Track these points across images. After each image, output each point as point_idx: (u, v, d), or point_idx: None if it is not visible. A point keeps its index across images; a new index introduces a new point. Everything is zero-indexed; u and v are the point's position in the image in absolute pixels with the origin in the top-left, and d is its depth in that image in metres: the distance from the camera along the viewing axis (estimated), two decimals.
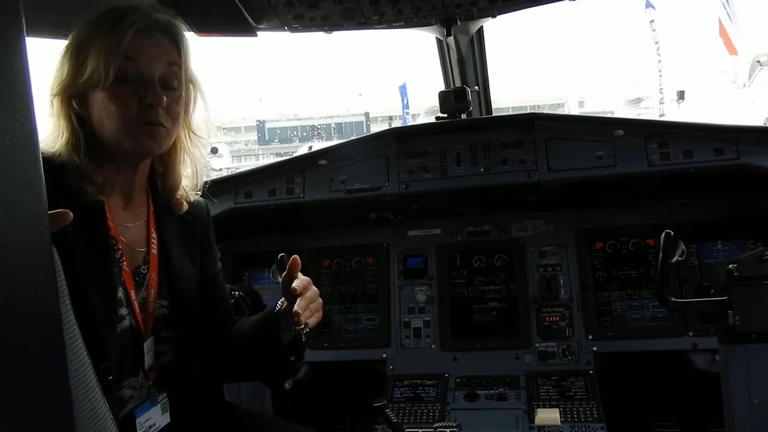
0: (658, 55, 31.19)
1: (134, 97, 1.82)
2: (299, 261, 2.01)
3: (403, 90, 42.53)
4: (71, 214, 1.27)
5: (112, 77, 1.78)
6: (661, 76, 31.28)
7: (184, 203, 2.15)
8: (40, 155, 0.86)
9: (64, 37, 1.89)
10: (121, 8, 1.86)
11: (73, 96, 1.82)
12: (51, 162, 1.78)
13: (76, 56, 1.81)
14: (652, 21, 31.49)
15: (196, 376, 2.13)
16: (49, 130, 1.85)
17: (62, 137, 1.82)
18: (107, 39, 1.78)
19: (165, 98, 1.85)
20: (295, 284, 1.97)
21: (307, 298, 2.00)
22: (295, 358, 2.15)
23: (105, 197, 1.88)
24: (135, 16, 1.83)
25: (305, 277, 2.05)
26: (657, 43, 31.14)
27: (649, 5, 31.72)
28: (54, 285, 0.96)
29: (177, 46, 1.92)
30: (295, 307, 1.94)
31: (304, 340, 2.16)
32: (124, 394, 1.91)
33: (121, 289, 1.88)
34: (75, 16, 1.88)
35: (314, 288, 2.07)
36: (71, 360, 1.10)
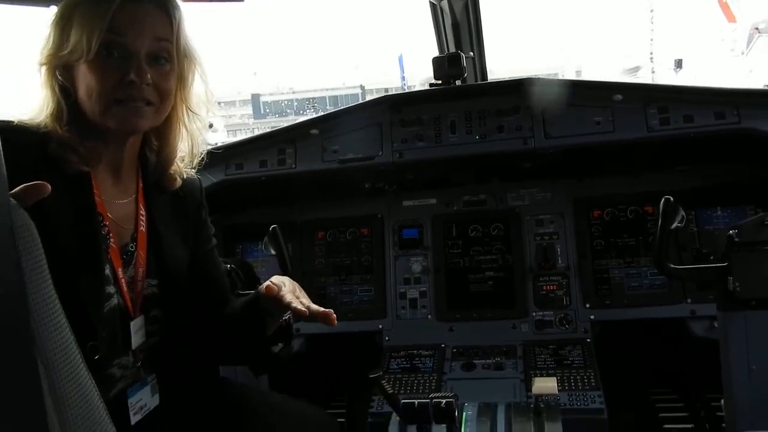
0: (652, 23, 30.91)
1: (117, 72, 1.74)
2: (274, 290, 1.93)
3: (401, 61, 42.19)
4: (49, 186, 1.21)
5: (95, 51, 1.70)
6: (652, 43, 31.03)
7: (178, 179, 2.08)
8: None
9: (54, 4, 1.81)
10: None
11: (58, 67, 1.76)
12: (34, 133, 1.73)
13: (61, 26, 1.74)
14: None
15: (184, 357, 2.08)
16: (38, 100, 1.79)
17: (47, 108, 1.76)
18: (92, 10, 1.70)
19: (151, 74, 1.77)
20: (271, 282, 1.95)
21: (290, 290, 1.97)
22: (283, 346, 2.10)
23: (91, 170, 1.82)
24: None
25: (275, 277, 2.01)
26: (652, 10, 30.84)
27: None
28: (17, 262, 0.92)
29: (168, 18, 1.82)
30: (286, 301, 1.90)
31: (293, 322, 2.11)
32: (114, 374, 1.87)
33: (108, 266, 1.82)
34: None
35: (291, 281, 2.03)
36: (54, 337, 1.07)
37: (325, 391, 4.04)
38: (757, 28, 25.26)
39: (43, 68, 1.77)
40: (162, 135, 2.01)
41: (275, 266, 2.99)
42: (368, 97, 4.32)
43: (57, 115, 1.75)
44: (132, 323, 1.90)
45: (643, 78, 31.29)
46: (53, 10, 1.79)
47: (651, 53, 30.54)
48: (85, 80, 1.74)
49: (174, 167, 2.05)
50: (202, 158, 2.16)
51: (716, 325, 2.82)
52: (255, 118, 59.43)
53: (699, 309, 3.17)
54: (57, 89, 1.76)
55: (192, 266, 2.12)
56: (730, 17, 29.31)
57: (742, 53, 26.29)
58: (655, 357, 3.68)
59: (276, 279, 2.00)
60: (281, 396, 2.45)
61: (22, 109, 1.81)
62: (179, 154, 2.05)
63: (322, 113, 3.68)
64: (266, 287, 1.92)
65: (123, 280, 1.87)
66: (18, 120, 1.76)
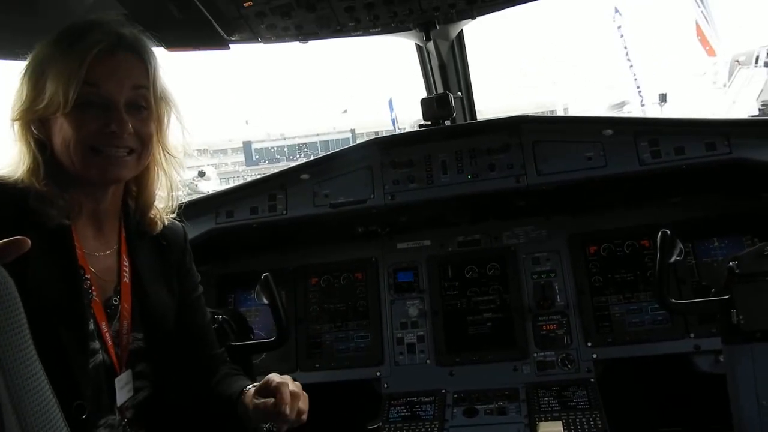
0: (629, 60, 31.53)
1: (97, 123, 1.72)
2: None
3: (390, 104, 42.73)
4: (29, 241, 1.16)
5: (72, 104, 1.67)
6: (636, 79, 31.58)
7: (159, 223, 2.04)
8: None
9: (22, 57, 1.79)
10: (81, 24, 1.76)
11: (33, 121, 1.72)
12: (12, 189, 1.69)
13: (34, 80, 1.71)
14: (619, 27, 31.88)
15: (175, 412, 2.00)
16: (13, 156, 1.76)
17: (23, 163, 1.73)
18: (66, 62, 1.68)
19: (132, 123, 1.75)
20: (273, 378, 1.86)
21: (294, 392, 1.84)
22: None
23: (72, 223, 1.77)
24: (96, 35, 1.72)
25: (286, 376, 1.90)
26: (626, 48, 31.50)
27: (617, 12, 32.07)
28: None
29: (145, 65, 1.82)
30: (279, 397, 1.79)
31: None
32: None
33: (92, 321, 1.77)
34: (36, 35, 1.78)
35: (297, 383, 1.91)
36: (33, 399, 1.03)
37: None
38: (737, 61, 25.77)
39: (17, 123, 1.73)
40: (140, 180, 1.98)
41: (269, 315, 2.93)
42: (359, 141, 4.32)
43: (34, 169, 1.71)
44: (117, 379, 1.83)
45: (632, 113, 31.76)
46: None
47: (638, 88, 31.08)
48: (62, 133, 1.70)
49: (153, 211, 2.02)
50: (182, 205, 2.13)
51: (721, 359, 2.76)
52: (247, 165, 59.77)
53: (703, 343, 3.11)
54: (33, 143, 1.73)
55: (177, 317, 2.06)
56: (710, 51, 29.95)
57: (725, 85, 26.74)
58: (661, 394, 3.60)
59: (277, 378, 1.87)
60: None
61: None
62: (157, 200, 2.03)
63: (313, 158, 3.67)
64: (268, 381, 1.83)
65: (108, 335, 1.81)
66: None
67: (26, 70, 1.74)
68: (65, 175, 1.76)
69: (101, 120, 1.72)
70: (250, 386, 1.96)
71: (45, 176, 1.71)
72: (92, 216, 1.87)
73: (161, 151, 1.97)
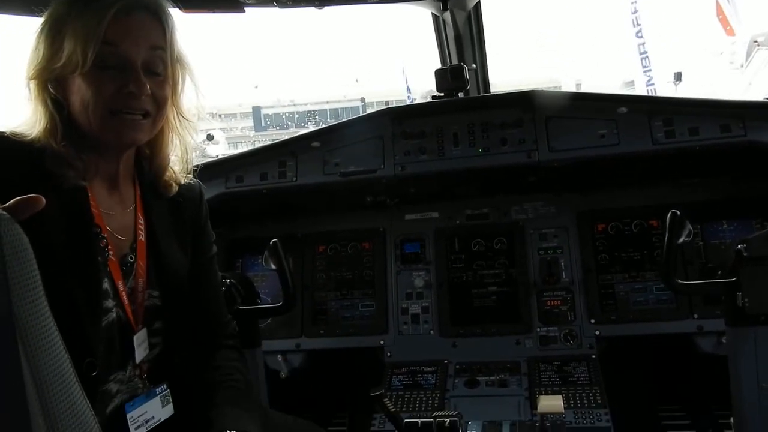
0: (640, 37, 30.99)
1: (114, 84, 1.70)
2: None
3: (404, 74, 42.28)
4: (43, 199, 1.17)
5: (90, 63, 1.65)
6: (645, 58, 31.09)
7: (174, 185, 2.04)
8: None
9: (38, 14, 1.77)
10: None
11: (50, 80, 1.71)
12: (29, 148, 1.68)
13: (51, 38, 1.69)
14: (633, 2, 31.29)
15: (192, 365, 2.03)
16: (28, 114, 1.74)
17: (39, 123, 1.71)
18: (85, 21, 1.65)
19: (149, 85, 1.74)
20: None
21: None
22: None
23: (88, 183, 1.78)
24: None
25: None
26: (639, 25, 30.95)
27: None
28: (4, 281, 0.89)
29: (162, 26, 1.79)
30: None
31: None
32: (110, 389, 1.82)
33: (107, 280, 1.78)
34: None
35: None
36: (47, 355, 1.06)
37: (326, 408, 3.98)
38: (756, 41, 25.33)
39: (33, 82, 1.71)
40: (153, 143, 1.97)
41: (276, 281, 2.96)
42: (369, 110, 4.30)
43: (51, 129, 1.70)
44: (135, 336, 1.85)
45: (641, 91, 31.35)
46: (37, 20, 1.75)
47: (645, 67, 30.62)
48: (80, 93, 1.69)
49: (168, 174, 2.02)
50: (197, 167, 2.14)
51: (724, 341, 2.78)
52: (256, 131, 59.63)
53: (706, 324, 3.12)
54: (49, 103, 1.71)
55: (190, 275, 2.06)
56: (729, 31, 29.44)
57: (742, 66, 26.34)
58: (662, 373, 3.63)
59: None
60: (281, 414, 2.39)
61: (9, 122, 1.77)
62: (173, 162, 2.03)
63: (323, 126, 3.66)
64: None
65: (124, 293, 1.82)
66: (10, 132, 1.72)
67: (42, 28, 1.72)
68: (81, 135, 1.75)
69: (119, 81, 1.71)
70: None
71: (62, 137, 1.71)
72: (107, 176, 1.87)
73: (175, 115, 1.96)
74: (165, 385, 1.96)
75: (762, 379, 2.43)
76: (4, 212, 1.00)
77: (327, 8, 2.99)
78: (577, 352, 3.24)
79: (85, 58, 1.64)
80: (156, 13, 1.78)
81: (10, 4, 2.18)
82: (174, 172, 2.04)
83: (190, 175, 2.12)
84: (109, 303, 1.78)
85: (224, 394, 2.03)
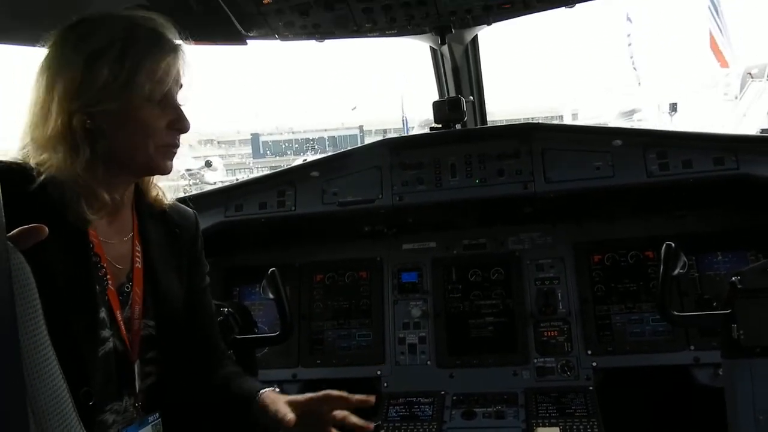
0: (635, 69, 31.41)
1: (166, 119, 1.81)
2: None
3: (402, 104, 42.81)
4: (46, 229, 1.19)
5: (158, 97, 1.77)
6: (640, 86, 31.43)
7: (163, 199, 2.09)
8: None
9: (36, 44, 1.80)
10: (152, 21, 1.81)
11: (93, 112, 1.72)
12: (30, 172, 1.68)
13: (115, 72, 1.71)
14: (628, 35, 31.75)
15: (185, 395, 2.04)
16: (55, 144, 1.71)
17: (82, 155, 1.71)
18: (153, 58, 1.76)
19: None
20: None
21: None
22: None
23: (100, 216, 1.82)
24: (171, 34, 1.83)
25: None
26: (632, 57, 31.37)
27: (628, 19, 31.94)
28: (11, 305, 0.90)
29: (184, 67, 1.90)
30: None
31: None
32: (106, 419, 1.81)
33: (104, 309, 1.79)
34: (57, 23, 1.80)
35: None
36: (45, 384, 1.06)
37: None
38: (749, 73, 25.68)
39: (70, 114, 1.70)
40: None
41: (273, 309, 2.96)
42: (367, 138, 4.35)
43: (90, 162, 1.73)
44: (136, 365, 1.88)
45: (642, 121, 31.64)
46: (42, 50, 1.78)
47: (641, 99, 30.97)
48: (131, 126, 1.76)
49: (154, 189, 2.07)
50: (193, 197, 2.20)
51: (720, 372, 2.78)
52: (254, 158, 59.95)
53: (702, 356, 3.12)
54: (88, 135, 1.73)
55: (185, 305, 2.08)
56: (723, 62, 29.86)
57: (736, 98, 26.65)
58: (659, 405, 3.61)
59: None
60: None
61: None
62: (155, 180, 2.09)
63: (322, 154, 3.69)
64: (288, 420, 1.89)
65: (122, 323, 1.84)
66: (12, 159, 1.73)
67: (100, 60, 1.71)
68: (108, 167, 1.79)
69: (168, 116, 1.82)
70: (265, 389, 2.03)
71: (101, 171, 1.77)
72: (113, 206, 1.90)
73: None
74: (157, 414, 1.96)
75: (759, 411, 2.41)
76: (9, 242, 1.01)
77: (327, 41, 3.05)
78: (575, 384, 3.24)
79: (154, 93, 1.76)
80: (183, 54, 1.88)
81: (21, 36, 2.21)
82: (159, 187, 2.08)
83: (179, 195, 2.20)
84: (106, 333, 1.79)
85: (238, 370, 2.21)
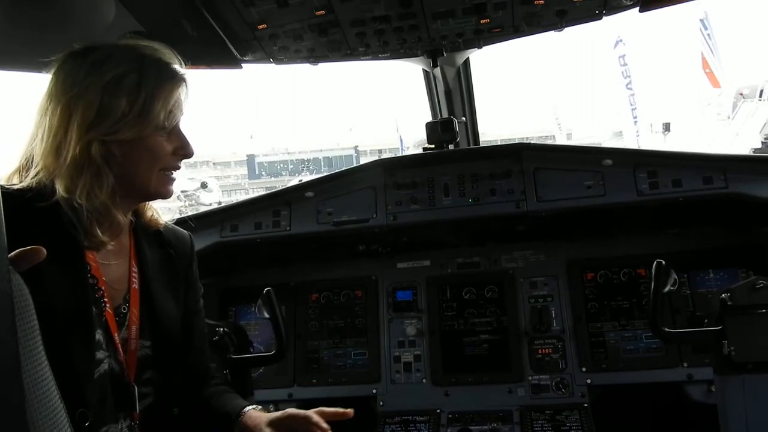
0: (629, 89, 31.65)
1: (172, 145, 1.89)
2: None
3: (396, 125, 43.02)
4: (44, 251, 1.21)
5: (169, 127, 1.86)
6: (634, 109, 31.67)
7: (158, 219, 2.12)
8: None
9: (43, 71, 1.83)
10: (162, 53, 1.89)
11: (108, 141, 1.76)
12: (33, 201, 1.70)
13: (131, 100, 1.76)
14: (621, 56, 32.04)
15: (178, 418, 2.04)
16: (75, 171, 1.73)
17: (107, 181, 1.76)
18: (166, 87, 1.83)
19: None
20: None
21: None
22: None
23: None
24: (177, 65, 1.91)
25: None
26: (628, 77, 31.63)
27: (618, 42, 32.26)
28: (12, 326, 0.91)
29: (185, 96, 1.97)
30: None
31: None
32: None
33: (101, 331, 1.80)
34: (56, 50, 1.83)
35: None
36: (43, 404, 1.07)
37: None
38: (741, 94, 25.98)
39: (89, 141, 1.73)
40: None
41: (269, 329, 2.97)
42: (362, 158, 4.39)
43: (112, 190, 1.79)
44: (136, 387, 1.89)
45: (630, 141, 31.80)
46: (45, 77, 1.81)
47: (635, 118, 31.16)
48: (140, 152, 1.83)
49: (149, 210, 2.11)
50: (190, 219, 2.24)
51: (714, 389, 2.79)
52: (250, 179, 59.97)
53: (696, 373, 3.14)
54: (107, 163, 1.78)
55: (180, 326, 2.09)
56: (715, 83, 30.17)
57: (728, 117, 26.90)
58: (654, 422, 3.62)
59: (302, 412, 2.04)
60: None
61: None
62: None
63: (317, 175, 3.72)
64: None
65: (119, 344, 1.84)
66: (13, 184, 1.75)
67: (116, 88, 1.75)
68: (119, 193, 1.85)
69: (173, 143, 1.90)
70: (248, 407, 2.06)
71: (121, 194, 1.85)
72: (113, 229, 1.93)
73: None
74: None
75: (751, 427, 2.43)
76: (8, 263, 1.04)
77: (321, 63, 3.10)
78: (569, 401, 3.25)
79: (168, 121, 1.85)
80: (187, 84, 1.94)
81: (19, 61, 2.25)
82: (153, 208, 2.13)
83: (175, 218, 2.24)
84: (101, 354, 1.80)
85: (222, 388, 2.21)
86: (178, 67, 1.91)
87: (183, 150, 1.92)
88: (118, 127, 1.75)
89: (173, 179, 1.96)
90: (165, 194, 1.95)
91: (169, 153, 1.89)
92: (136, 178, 1.85)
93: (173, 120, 1.87)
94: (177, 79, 1.88)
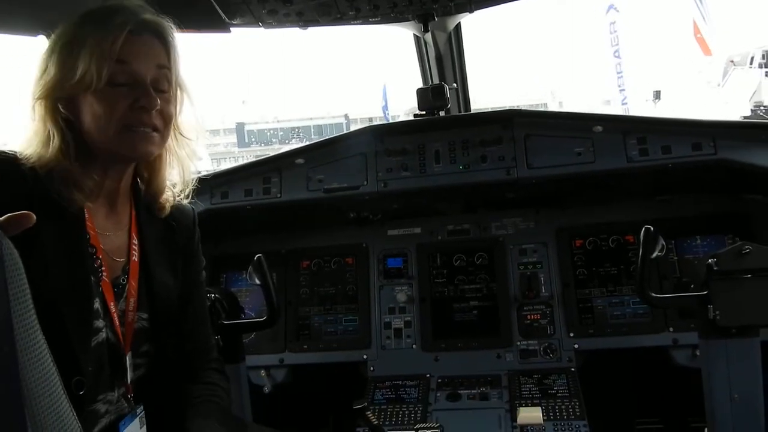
0: (617, 57, 31.45)
1: (127, 99, 1.76)
2: None
3: (384, 92, 42.56)
4: (34, 216, 1.20)
5: (105, 80, 1.72)
6: (620, 77, 31.50)
7: (167, 207, 2.08)
8: None
9: (39, 34, 1.82)
10: (109, 6, 1.81)
11: (60, 99, 1.74)
12: (24, 166, 1.70)
13: (64, 58, 1.73)
14: (612, 23, 31.75)
15: (171, 390, 2.05)
16: (33, 134, 1.75)
17: (53, 142, 1.73)
18: (98, 40, 1.72)
19: (158, 101, 1.80)
20: None
21: None
22: None
23: (92, 203, 1.82)
24: (125, 16, 1.76)
25: None
26: (616, 45, 31.40)
27: (611, 8, 31.90)
28: (4, 290, 0.92)
29: (166, 47, 1.86)
30: None
31: None
32: (98, 409, 1.82)
33: (98, 300, 1.80)
34: (50, 12, 1.81)
35: None
36: (35, 367, 1.08)
37: (309, 423, 3.99)
38: (732, 61, 25.96)
39: (41, 102, 1.74)
40: (152, 165, 2.02)
41: (260, 296, 2.98)
42: (353, 126, 4.37)
43: (64, 148, 1.74)
44: (127, 356, 1.88)
45: (616, 109, 31.71)
46: (41, 39, 1.79)
47: (621, 87, 31.03)
48: (92, 110, 1.74)
49: (165, 196, 2.06)
50: (194, 186, 2.16)
51: (698, 354, 2.84)
52: (239, 147, 59.45)
53: (681, 338, 3.20)
54: (61, 122, 1.75)
55: (179, 299, 2.09)
56: (706, 50, 30.06)
57: (719, 85, 26.90)
58: (639, 386, 3.69)
59: None
60: (265, 429, 2.41)
61: (13, 142, 1.79)
62: (170, 184, 2.06)
63: (308, 142, 3.70)
64: None
65: (115, 314, 1.84)
66: (16, 153, 1.74)
67: (53, 48, 1.76)
68: (91, 153, 1.80)
69: (131, 97, 1.77)
70: None
71: (75, 155, 1.75)
72: (107, 197, 1.91)
73: (174, 135, 2.00)
74: (141, 407, 1.96)
75: (734, 390, 2.48)
76: None
77: (311, 28, 3.06)
78: (557, 366, 3.30)
79: (100, 76, 1.70)
80: (162, 35, 1.85)
81: (13, 24, 2.21)
82: (172, 195, 2.08)
83: (186, 199, 2.14)
84: (100, 323, 1.80)
85: (206, 407, 2.06)
86: (127, 16, 1.76)
87: (137, 102, 1.77)
88: (50, 88, 1.73)
89: (146, 137, 1.81)
90: (134, 153, 1.83)
91: (124, 108, 1.76)
92: (95, 136, 1.77)
93: (105, 74, 1.71)
94: (111, 29, 1.73)
